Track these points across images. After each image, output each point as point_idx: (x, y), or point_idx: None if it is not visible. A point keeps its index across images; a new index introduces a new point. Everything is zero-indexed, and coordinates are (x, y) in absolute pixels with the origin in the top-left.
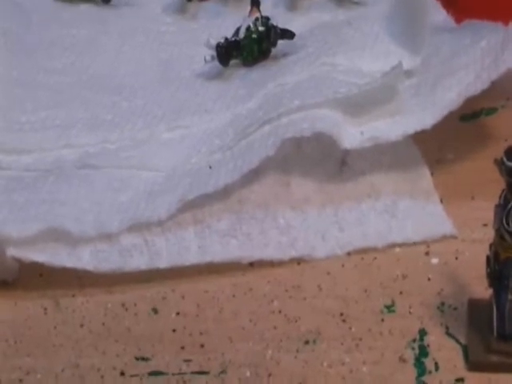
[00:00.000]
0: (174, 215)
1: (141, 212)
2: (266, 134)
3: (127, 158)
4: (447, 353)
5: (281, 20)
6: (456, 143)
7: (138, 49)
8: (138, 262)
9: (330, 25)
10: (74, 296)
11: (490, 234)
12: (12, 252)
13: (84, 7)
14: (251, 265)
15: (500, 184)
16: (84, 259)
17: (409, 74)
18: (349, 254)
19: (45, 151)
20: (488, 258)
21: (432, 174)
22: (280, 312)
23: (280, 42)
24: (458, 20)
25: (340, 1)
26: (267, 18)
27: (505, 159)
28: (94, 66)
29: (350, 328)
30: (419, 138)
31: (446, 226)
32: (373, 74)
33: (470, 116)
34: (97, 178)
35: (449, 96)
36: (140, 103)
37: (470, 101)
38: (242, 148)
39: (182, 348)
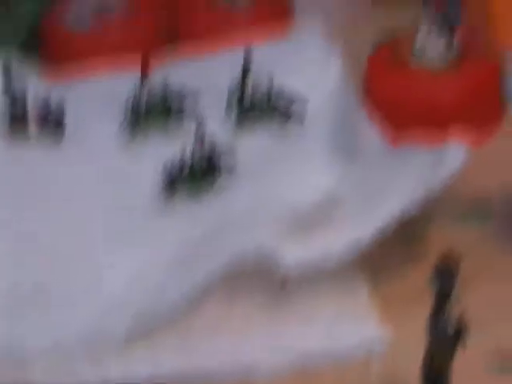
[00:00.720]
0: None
1: (93, 337)
2: (210, 261)
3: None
4: None
5: (224, 149)
6: (393, 259)
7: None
8: None
9: (272, 151)
10: None
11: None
12: None
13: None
14: None
15: None
16: None
17: (343, 198)
18: (293, 372)
19: None
20: (423, 367)
21: (370, 290)
22: None
23: (224, 172)
24: (394, 143)
25: (281, 125)
26: (211, 148)
27: (434, 279)
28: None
29: None
30: (356, 258)
31: (384, 340)
32: (304, 201)
33: None
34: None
35: (383, 218)
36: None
37: None
38: (185, 276)
39: None
